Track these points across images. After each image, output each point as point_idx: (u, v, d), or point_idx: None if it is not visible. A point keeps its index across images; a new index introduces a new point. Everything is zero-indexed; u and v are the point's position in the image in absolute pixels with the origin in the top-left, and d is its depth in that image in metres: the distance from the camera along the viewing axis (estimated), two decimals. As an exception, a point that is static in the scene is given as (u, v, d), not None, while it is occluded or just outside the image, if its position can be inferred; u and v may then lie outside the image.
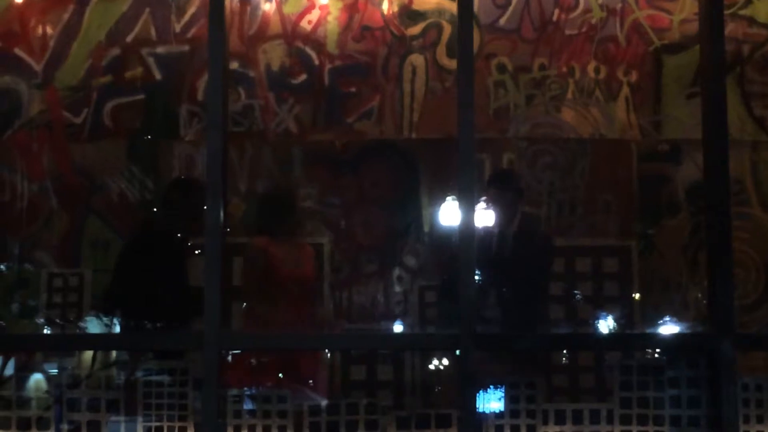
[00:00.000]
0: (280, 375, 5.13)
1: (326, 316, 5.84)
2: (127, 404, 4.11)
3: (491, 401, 4.08)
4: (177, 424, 4.08)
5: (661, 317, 5.39)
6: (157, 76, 6.36)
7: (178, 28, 6.37)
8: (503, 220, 5.52)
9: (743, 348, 4.06)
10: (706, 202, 4.03)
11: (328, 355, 5.42)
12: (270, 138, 6.36)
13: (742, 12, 6.30)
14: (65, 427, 4.06)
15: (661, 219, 6.20)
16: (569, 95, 6.36)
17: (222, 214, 3.93)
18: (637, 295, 5.73)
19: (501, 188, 5.63)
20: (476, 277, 3.91)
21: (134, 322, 5.13)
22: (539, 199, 6.27)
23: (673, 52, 6.34)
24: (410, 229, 6.23)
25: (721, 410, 3.82)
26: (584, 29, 6.37)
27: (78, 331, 5.23)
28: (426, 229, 6.27)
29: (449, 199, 6.00)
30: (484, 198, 5.54)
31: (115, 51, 6.35)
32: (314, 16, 6.38)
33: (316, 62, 6.37)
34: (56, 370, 4.59)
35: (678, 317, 5.40)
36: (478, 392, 3.87)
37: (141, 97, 6.35)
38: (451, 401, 4.33)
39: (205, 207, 3.91)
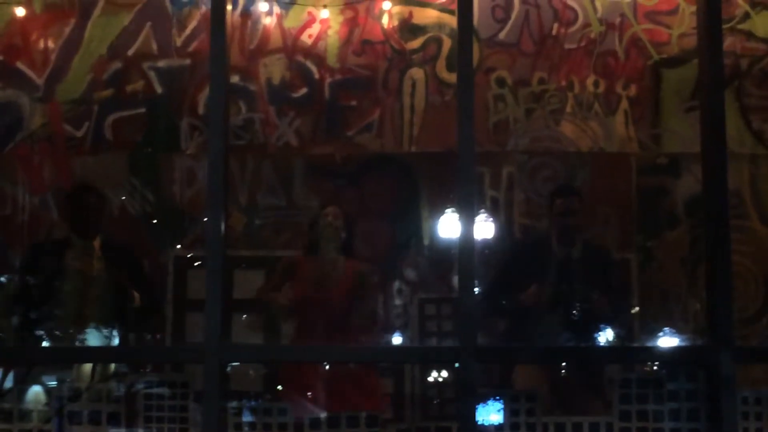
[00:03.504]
0: None
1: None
2: (127, 416, 4.11)
3: (491, 414, 4.08)
4: (177, 437, 4.09)
5: (661, 330, 5.39)
6: (159, 89, 6.38)
7: (179, 41, 6.39)
8: (570, 237, 5.35)
9: (743, 361, 4.06)
10: (705, 214, 4.04)
11: (327, 367, 5.42)
12: (271, 151, 6.38)
13: (741, 26, 6.32)
14: (65, 439, 4.07)
15: (660, 232, 6.20)
16: (568, 109, 6.38)
17: (223, 226, 3.94)
18: (636, 308, 5.74)
19: (569, 198, 5.40)
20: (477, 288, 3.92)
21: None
22: (539, 212, 6.27)
23: (672, 66, 6.36)
24: (410, 242, 6.24)
25: (721, 424, 3.82)
26: (583, 43, 6.39)
27: (78, 343, 5.22)
28: (426, 242, 6.29)
29: (449, 211, 6.01)
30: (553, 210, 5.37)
31: (117, 64, 6.37)
32: (315, 30, 6.41)
33: (317, 76, 6.39)
34: (56, 383, 4.59)
35: (677, 330, 5.41)
36: (477, 405, 3.87)
37: (142, 110, 6.36)
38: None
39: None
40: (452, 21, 6.03)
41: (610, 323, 5.21)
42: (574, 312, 5.19)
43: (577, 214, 5.36)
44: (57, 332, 5.27)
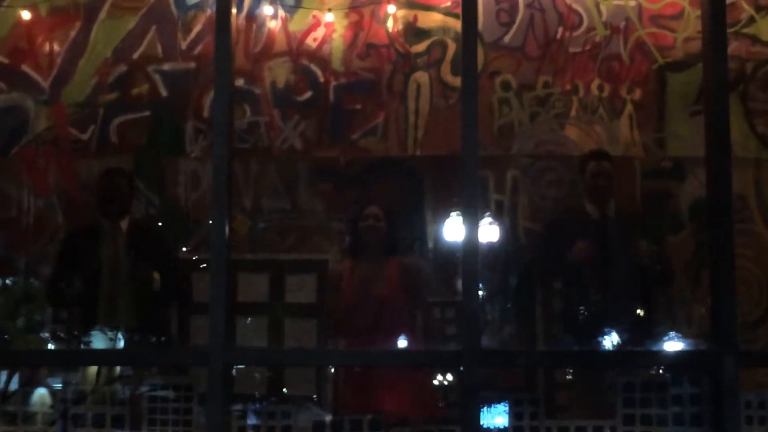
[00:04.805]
0: None
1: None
2: (131, 419, 4.12)
3: (494, 417, 4.08)
4: (181, 439, 4.10)
5: (665, 334, 5.39)
6: (163, 92, 6.39)
7: (184, 45, 6.41)
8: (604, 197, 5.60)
9: (746, 365, 4.06)
10: (709, 218, 4.04)
11: (332, 370, 5.43)
12: (275, 154, 6.39)
13: (746, 30, 6.32)
14: (70, 441, 4.08)
15: (664, 235, 6.20)
16: (573, 113, 6.38)
17: (227, 229, 3.95)
18: (640, 312, 5.73)
19: (601, 161, 5.65)
20: (481, 291, 3.92)
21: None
22: (543, 216, 6.27)
23: (677, 70, 6.36)
24: (414, 246, 6.24)
25: (725, 428, 3.82)
26: (588, 47, 6.39)
27: (83, 346, 5.23)
28: (430, 245, 6.28)
29: (453, 215, 6.01)
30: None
31: (122, 68, 6.39)
32: (319, 33, 6.42)
33: (321, 79, 6.40)
34: (60, 385, 4.60)
35: (681, 334, 5.40)
36: (481, 408, 3.87)
37: (147, 113, 6.38)
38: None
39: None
40: (457, 25, 6.01)
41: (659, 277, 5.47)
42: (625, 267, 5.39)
43: (609, 175, 5.62)
44: (88, 320, 5.31)
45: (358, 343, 5.28)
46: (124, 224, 5.65)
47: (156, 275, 5.49)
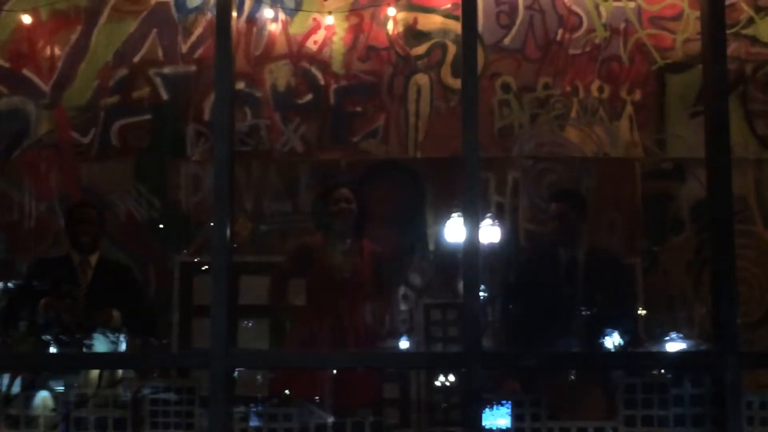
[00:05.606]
0: None
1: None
2: (133, 422, 4.13)
3: (497, 419, 4.09)
4: (183, 442, 4.11)
5: (666, 335, 5.39)
6: (164, 96, 6.40)
7: (184, 48, 6.42)
8: (570, 237, 5.41)
9: (748, 366, 4.06)
10: (710, 219, 4.04)
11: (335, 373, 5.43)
12: (276, 157, 6.40)
13: (745, 31, 6.33)
14: (72, 445, 4.09)
15: (665, 237, 6.21)
16: (573, 114, 6.39)
17: (228, 232, 3.96)
18: (642, 313, 5.74)
19: (566, 204, 5.47)
20: (482, 294, 3.93)
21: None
22: (544, 218, 6.28)
23: (677, 71, 6.37)
24: (415, 248, 6.25)
25: (726, 429, 3.82)
26: (588, 49, 6.40)
27: (85, 349, 5.24)
28: (431, 247, 6.29)
29: (454, 217, 6.02)
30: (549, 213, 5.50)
31: (123, 71, 6.40)
32: (320, 36, 6.43)
33: (322, 82, 6.41)
34: (63, 388, 4.60)
35: (682, 335, 5.41)
36: (483, 410, 3.88)
37: (148, 116, 6.39)
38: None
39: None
40: (457, 27, 6.02)
41: (613, 328, 5.24)
42: (578, 316, 5.22)
43: (569, 217, 5.41)
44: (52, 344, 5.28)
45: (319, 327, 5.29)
46: (93, 259, 5.59)
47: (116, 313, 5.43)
